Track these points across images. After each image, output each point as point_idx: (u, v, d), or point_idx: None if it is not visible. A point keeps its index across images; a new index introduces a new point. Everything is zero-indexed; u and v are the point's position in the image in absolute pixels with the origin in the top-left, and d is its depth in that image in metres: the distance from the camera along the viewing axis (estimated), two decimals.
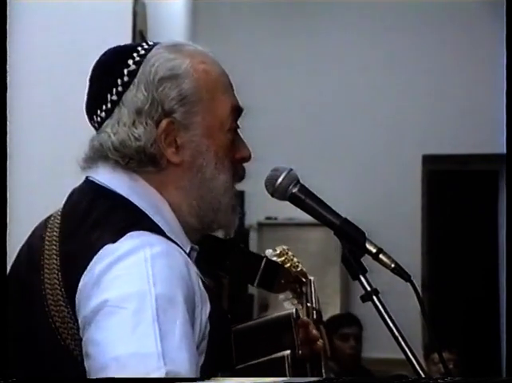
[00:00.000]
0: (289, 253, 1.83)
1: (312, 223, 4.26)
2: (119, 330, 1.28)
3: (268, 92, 7.31)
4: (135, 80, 1.48)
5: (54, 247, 1.45)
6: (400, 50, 7.50)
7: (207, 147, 1.50)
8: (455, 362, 4.90)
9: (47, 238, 1.48)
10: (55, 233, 1.47)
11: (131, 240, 1.36)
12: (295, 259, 1.82)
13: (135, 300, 1.30)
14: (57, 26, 3.54)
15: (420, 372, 1.45)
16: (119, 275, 1.33)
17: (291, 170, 1.58)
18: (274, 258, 1.82)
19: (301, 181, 1.57)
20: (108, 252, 1.35)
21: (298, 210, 1.58)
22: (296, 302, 1.82)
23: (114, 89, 1.48)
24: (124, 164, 1.47)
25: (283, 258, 1.83)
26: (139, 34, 3.95)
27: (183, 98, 1.48)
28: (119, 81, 1.48)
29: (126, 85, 1.48)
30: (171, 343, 1.28)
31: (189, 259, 1.43)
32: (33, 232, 1.55)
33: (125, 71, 1.48)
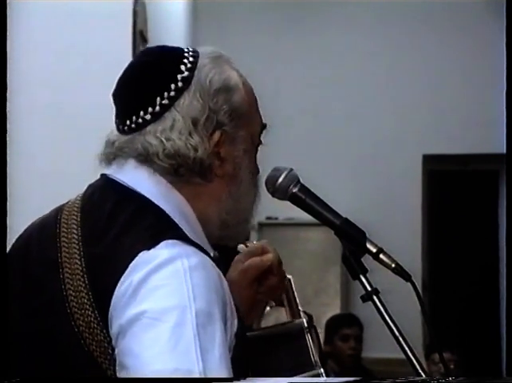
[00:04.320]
0: None
1: (312, 223, 4.27)
2: (158, 345, 1.27)
3: (268, 91, 7.30)
4: (191, 87, 1.45)
5: (75, 247, 1.42)
6: (401, 50, 7.50)
7: (246, 162, 1.51)
8: (456, 362, 4.91)
9: (64, 235, 1.45)
10: (74, 231, 1.44)
11: (167, 249, 1.34)
12: None
13: (176, 314, 1.28)
14: (57, 26, 3.55)
15: (421, 372, 1.45)
16: (157, 286, 1.31)
17: (291, 170, 1.58)
18: None
19: (302, 181, 1.58)
20: (145, 260, 1.33)
21: (299, 210, 1.58)
22: (274, 304, 1.72)
23: (165, 93, 1.45)
24: (171, 171, 1.44)
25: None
26: (140, 34, 3.95)
27: (233, 111, 1.48)
28: (172, 86, 1.45)
29: (180, 91, 1.45)
30: (211, 361, 1.28)
31: (220, 272, 1.40)
32: (42, 226, 1.51)
33: (179, 76, 1.46)
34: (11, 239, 1.54)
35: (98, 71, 3.31)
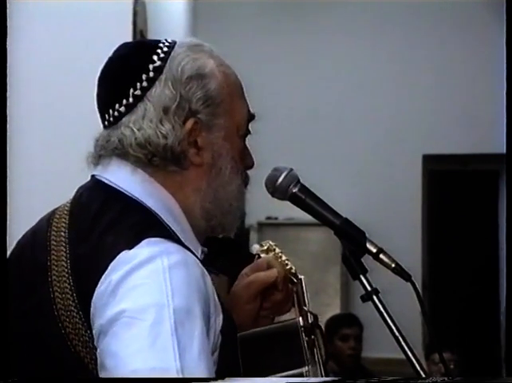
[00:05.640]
0: (277, 249, 1.72)
1: (312, 223, 4.27)
2: (137, 343, 1.26)
3: (268, 92, 7.30)
4: (162, 76, 1.45)
5: (63, 249, 1.42)
6: (401, 50, 7.50)
7: (227, 150, 1.49)
8: (456, 362, 4.91)
9: (53, 238, 1.45)
10: (62, 233, 1.45)
11: (148, 248, 1.34)
12: (284, 257, 1.71)
13: (154, 312, 1.28)
14: (57, 26, 3.54)
15: (421, 372, 1.45)
16: (136, 285, 1.30)
17: (291, 170, 1.58)
18: (261, 255, 1.73)
19: (302, 181, 1.57)
20: (125, 260, 1.33)
21: (299, 210, 1.58)
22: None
23: (138, 84, 1.45)
24: (146, 161, 1.44)
25: (270, 255, 1.73)
26: (140, 34, 3.95)
27: (208, 99, 1.47)
28: (143, 76, 1.45)
29: (151, 81, 1.45)
30: (189, 358, 1.27)
31: (204, 269, 1.40)
32: (35, 230, 1.52)
33: (151, 66, 1.46)
34: (11, 240, 1.55)
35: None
